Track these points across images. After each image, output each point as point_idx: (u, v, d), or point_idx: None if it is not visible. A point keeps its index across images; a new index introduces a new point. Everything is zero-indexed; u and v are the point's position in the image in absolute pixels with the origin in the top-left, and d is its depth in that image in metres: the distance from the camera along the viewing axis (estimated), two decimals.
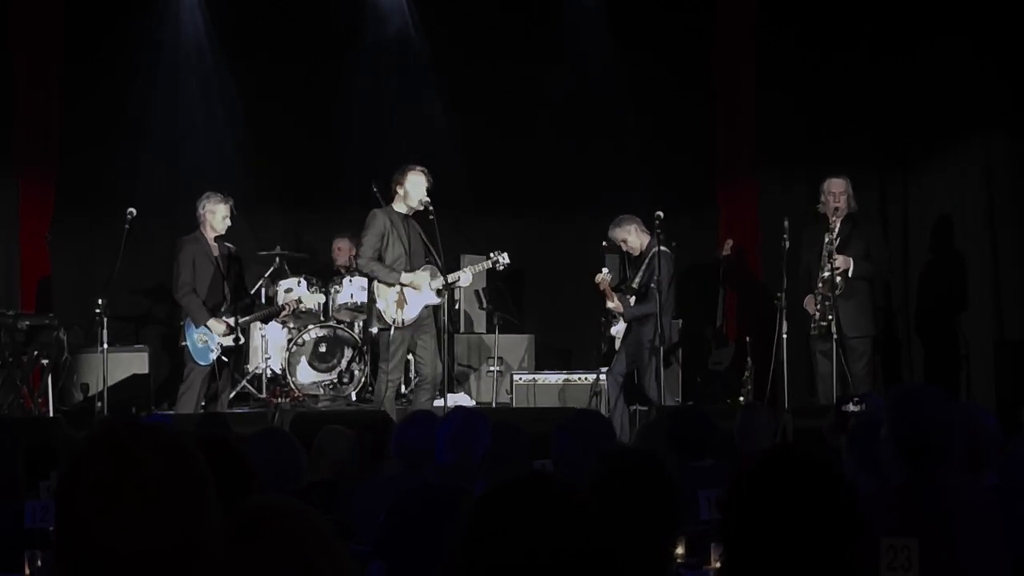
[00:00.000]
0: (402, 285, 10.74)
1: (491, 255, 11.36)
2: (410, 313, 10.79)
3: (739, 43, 13.34)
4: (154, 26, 13.40)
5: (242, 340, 11.28)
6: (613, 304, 11.48)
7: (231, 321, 11.12)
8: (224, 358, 11.18)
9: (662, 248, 11.22)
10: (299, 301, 11.92)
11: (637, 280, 11.46)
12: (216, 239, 11.20)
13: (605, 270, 11.55)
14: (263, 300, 12.59)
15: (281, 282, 12.50)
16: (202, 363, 11.06)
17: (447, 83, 13.64)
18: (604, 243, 12.27)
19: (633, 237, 11.45)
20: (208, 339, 11.04)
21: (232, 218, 11.43)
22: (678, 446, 6.55)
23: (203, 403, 11.25)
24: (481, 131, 13.56)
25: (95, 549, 2.08)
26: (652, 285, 11.14)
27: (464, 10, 13.58)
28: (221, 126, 13.51)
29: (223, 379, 11.26)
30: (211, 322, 11.02)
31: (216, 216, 11.11)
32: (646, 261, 11.36)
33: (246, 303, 11.43)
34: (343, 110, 13.68)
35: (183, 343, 11.22)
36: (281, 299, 12.43)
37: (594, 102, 13.58)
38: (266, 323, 12.23)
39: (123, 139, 13.18)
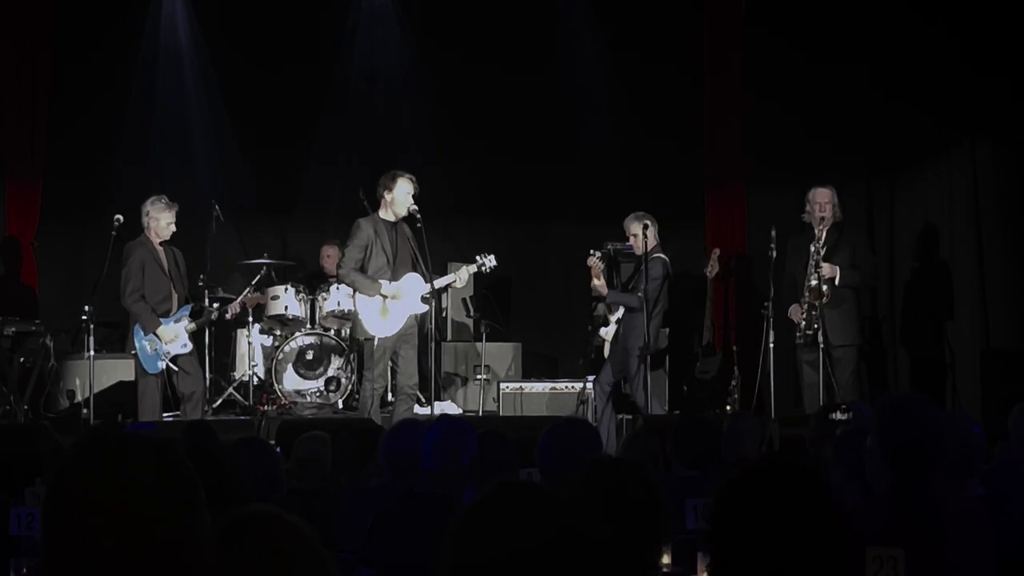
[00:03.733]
0: (383, 297, 10.74)
1: (478, 258, 11.34)
2: (393, 324, 10.78)
3: (727, 51, 13.35)
4: (142, 33, 13.40)
5: (191, 347, 11.08)
6: (599, 283, 11.39)
7: (181, 327, 10.99)
8: (173, 366, 11.05)
9: (659, 255, 11.24)
10: (251, 293, 11.80)
11: (632, 282, 11.46)
12: (162, 244, 11.09)
13: (598, 254, 11.48)
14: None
15: (268, 289, 12.48)
16: (151, 371, 10.88)
17: (434, 89, 13.64)
18: (592, 251, 12.26)
19: (637, 237, 11.39)
20: (157, 347, 10.92)
21: (217, 223, 11.38)
22: (684, 456, 6.55)
23: (180, 412, 11.18)
24: (467, 138, 13.56)
25: (84, 557, 2.07)
26: (640, 293, 11.14)
27: (453, 15, 13.58)
28: (208, 133, 13.52)
29: (186, 381, 11.07)
30: (160, 329, 10.88)
31: (160, 223, 10.94)
32: (643, 264, 11.35)
33: (196, 309, 11.28)
34: (330, 116, 13.68)
35: (132, 351, 11.11)
36: (271, 309, 12.41)
37: (582, 109, 13.58)
38: (222, 317, 11.98)
39: (110, 145, 13.17)
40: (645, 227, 11.25)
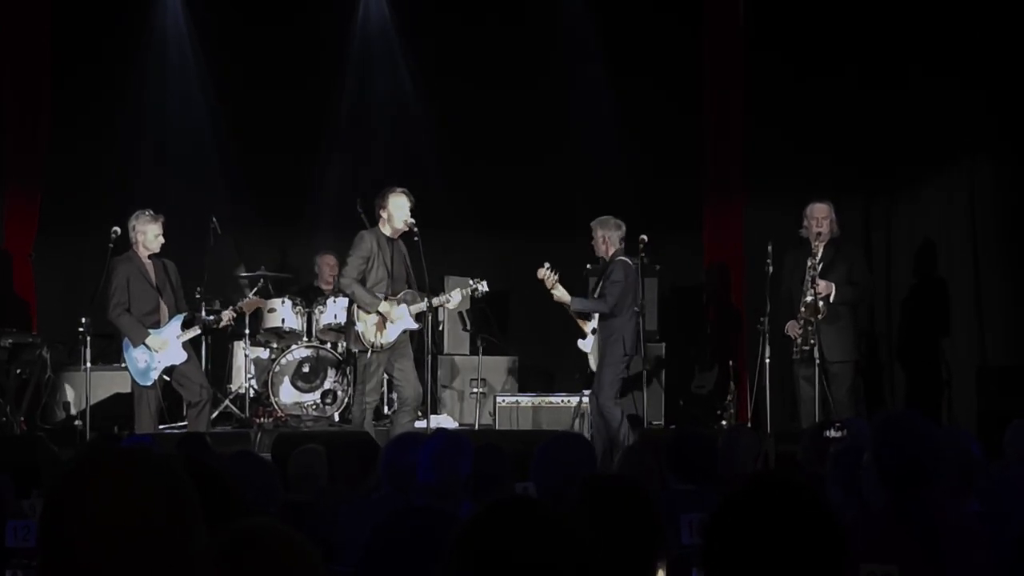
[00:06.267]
0: (379, 314, 10.76)
1: (471, 282, 11.37)
2: (389, 337, 10.81)
3: (727, 67, 13.34)
4: (142, 47, 13.42)
5: (186, 356, 11.07)
6: (558, 294, 11.30)
7: (172, 335, 10.98)
8: (167, 376, 11.05)
9: (622, 258, 11.17)
10: (240, 309, 11.75)
11: (599, 289, 11.39)
12: (151, 257, 11.08)
13: (547, 264, 11.36)
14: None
15: (266, 302, 12.47)
16: (143, 384, 10.88)
17: (432, 103, 13.66)
18: (588, 266, 12.28)
19: (603, 242, 11.32)
20: (148, 359, 10.90)
21: (214, 235, 11.34)
22: (680, 470, 6.55)
23: (186, 420, 11.20)
24: (466, 152, 13.57)
25: (80, 572, 2.07)
26: (609, 292, 11.09)
27: (452, 31, 13.60)
28: (207, 146, 13.53)
29: (189, 390, 11.08)
30: (149, 339, 10.86)
31: (148, 236, 10.94)
32: (606, 269, 11.30)
33: (188, 319, 11.28)
34: (328, 130, 13.70)
35: (123, 364, 11.09)
36: (267, 322, 12.41)
37: (580, 124, 13.60)
38: (213, 329, 11.92)
39: (108, 157, 13.18)
40: (607, 234, 11.23)
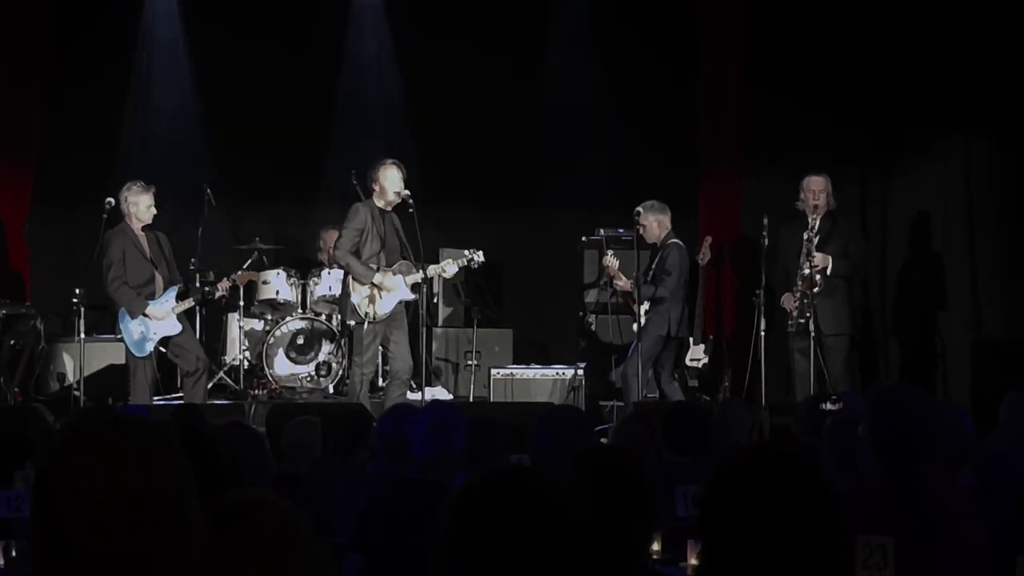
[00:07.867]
0: (373, 285, 10.77)
1: (467, 252, 11.38)
2: (383, 308, 10.83)
3: (724, 38, 13.31)
4: (134, 18, 13.37)
5: (181, 328, 11.07)
6: (622, 283, 11.54)
7: (168, 307, 10.98)
8: (163, 348, 11.06)
9: (674, 240, 11.36)
10: (233, 280, 11.73)
11: (652, 271, 11.52)
12: (143, 229, 11.07)
13: (610, 252, 11.60)
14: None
15: (260, 274, 12.46)
16: (139, 355, 10.91)
17: (427, 77, 13.61)
18: (583, 238, 12.29)
19: (654, 226, 11.49)
20: (144, 329, 10.91)
21: (208, 207, 11.30)
22: (675, 442, 6.56)
23: (181, 390, 11.20)
24: (459, 124, 13.52)
25: (74, 546, 2.05)
26: (664, 276, 11.28)
27: (445, 9, 13.54)
28: (199, 117, 13.48)
29: (185, 359, 11.09)
30: (149, 309, 10.89)
31: (140, 207, 10.95)
32: (660, 252, 11.44)
33: (182, 290, 11.27)
34: (323, 103, 13.65)
35: (118, 335, 11.10)
36: (262, 293, 12.39)
37: (575, 97, 13.55)
38: (207, 301, 11.91)
39: (103, 128, 13.13)
40: (651, 219, 11.40)
